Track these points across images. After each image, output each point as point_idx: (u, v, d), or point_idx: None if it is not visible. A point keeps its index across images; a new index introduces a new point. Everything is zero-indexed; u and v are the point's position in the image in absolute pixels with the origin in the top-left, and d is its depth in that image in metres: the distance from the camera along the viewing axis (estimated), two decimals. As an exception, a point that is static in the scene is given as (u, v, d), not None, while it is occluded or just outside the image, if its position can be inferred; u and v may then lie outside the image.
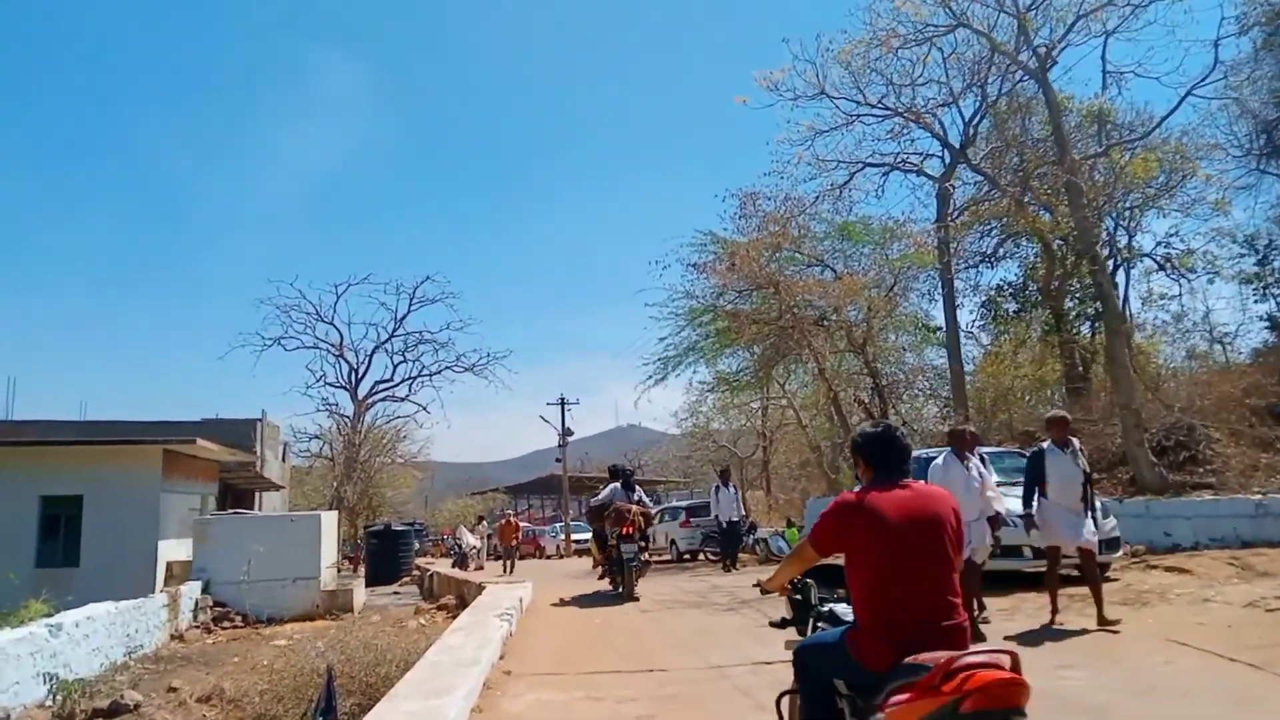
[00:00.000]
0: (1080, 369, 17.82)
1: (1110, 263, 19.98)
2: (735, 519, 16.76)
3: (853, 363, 23.84)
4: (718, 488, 16.98)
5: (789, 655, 3.35)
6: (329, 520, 18.04)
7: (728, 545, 16.85)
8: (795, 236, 22.02)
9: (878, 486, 3.05)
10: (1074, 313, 19.19)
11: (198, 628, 14.90)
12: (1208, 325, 20.53)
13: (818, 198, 21.91)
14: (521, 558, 30.40)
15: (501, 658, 7.15)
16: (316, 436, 39.37)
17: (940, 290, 22.67)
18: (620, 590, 10.96)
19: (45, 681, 9.46)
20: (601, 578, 12.02)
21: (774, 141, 21.06)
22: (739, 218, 21.30)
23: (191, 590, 15.18)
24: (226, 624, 15.19)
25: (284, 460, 35.67)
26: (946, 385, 23.48)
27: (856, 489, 3.15)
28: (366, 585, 26.09)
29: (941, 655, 2.52)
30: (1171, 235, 20.54)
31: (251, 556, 15.02)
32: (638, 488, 12.62)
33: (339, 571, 30.29)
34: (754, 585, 4.21)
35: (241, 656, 12.28)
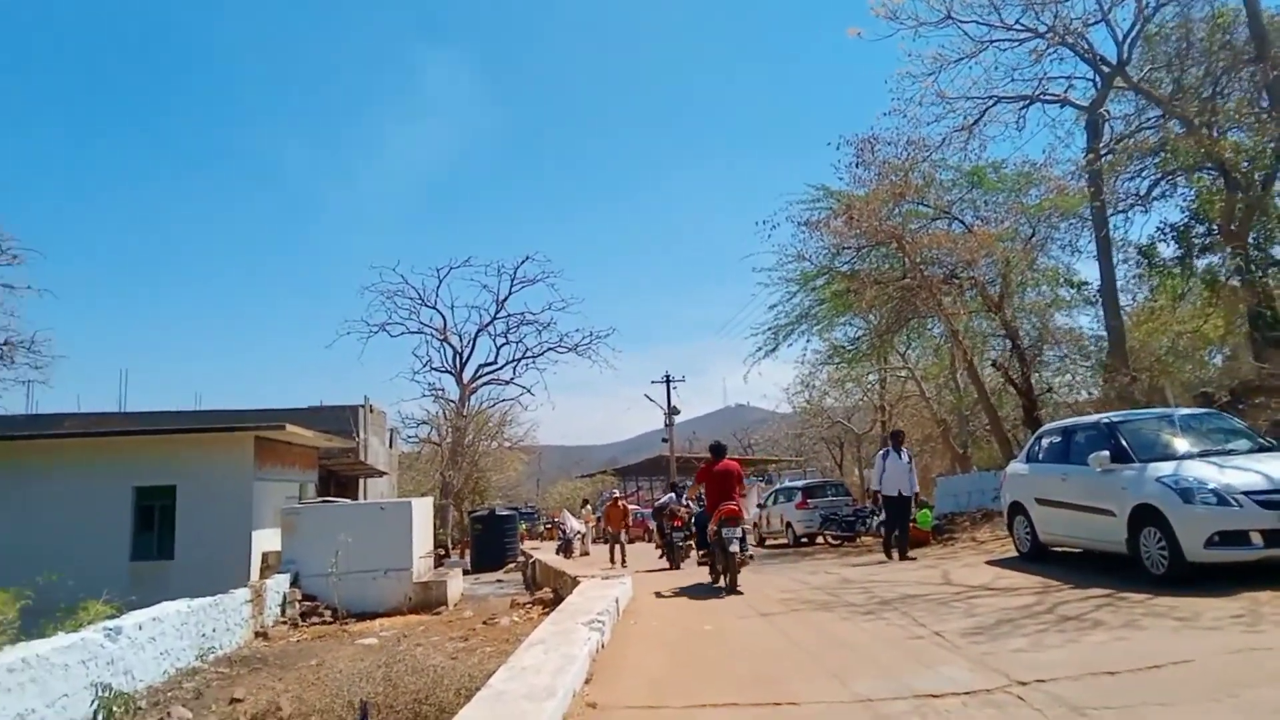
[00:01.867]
0: (1270, 319, 15.12)
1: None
2: (907, 493, 13.07)
3: (987, 324, 21.48)
4: (885, 453, 13.59)
5: (963, 686, 4.94)
6: (422, 508, 17.03)
7: (894, 527, 13.23)
8: (919, 185, 19.76)
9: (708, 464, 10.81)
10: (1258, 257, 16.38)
11: (284, 623, 14.07)
12: None
13: (944, 140, 19.73)
14: (631, 541, 29.20)
15: (588, 681, 5.66)
16: (424, 422, 39.16)
17: (1091, 237, 20.13)
18: (719, 583, 10.43)
19: (98, 693, 8.53)
20: (662, 558, 16.67)
21: (893, 77, 19.00)
22: (855, 166, 19.21)
23: (278, 584, 14.35)
24: (315, 619, 14.31)
25: (391, 446, 35.42)
26: (1095, 346, 20.86)
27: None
28: (472, 571, 25.38)
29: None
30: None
31: (339, 547, 14.04)
32: (685, 492, 17.49)
33: (442, 559, 29.81)
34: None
35: (321, 657, 11.25)
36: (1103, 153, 16.99)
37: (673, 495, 17.91)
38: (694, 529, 14.27)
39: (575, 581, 10.60)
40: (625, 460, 65.58)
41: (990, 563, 10.61)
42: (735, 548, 9.72)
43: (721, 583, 10.24)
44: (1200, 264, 20.10)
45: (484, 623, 12.48)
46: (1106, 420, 9.16)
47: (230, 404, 28.44)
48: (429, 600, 15.10)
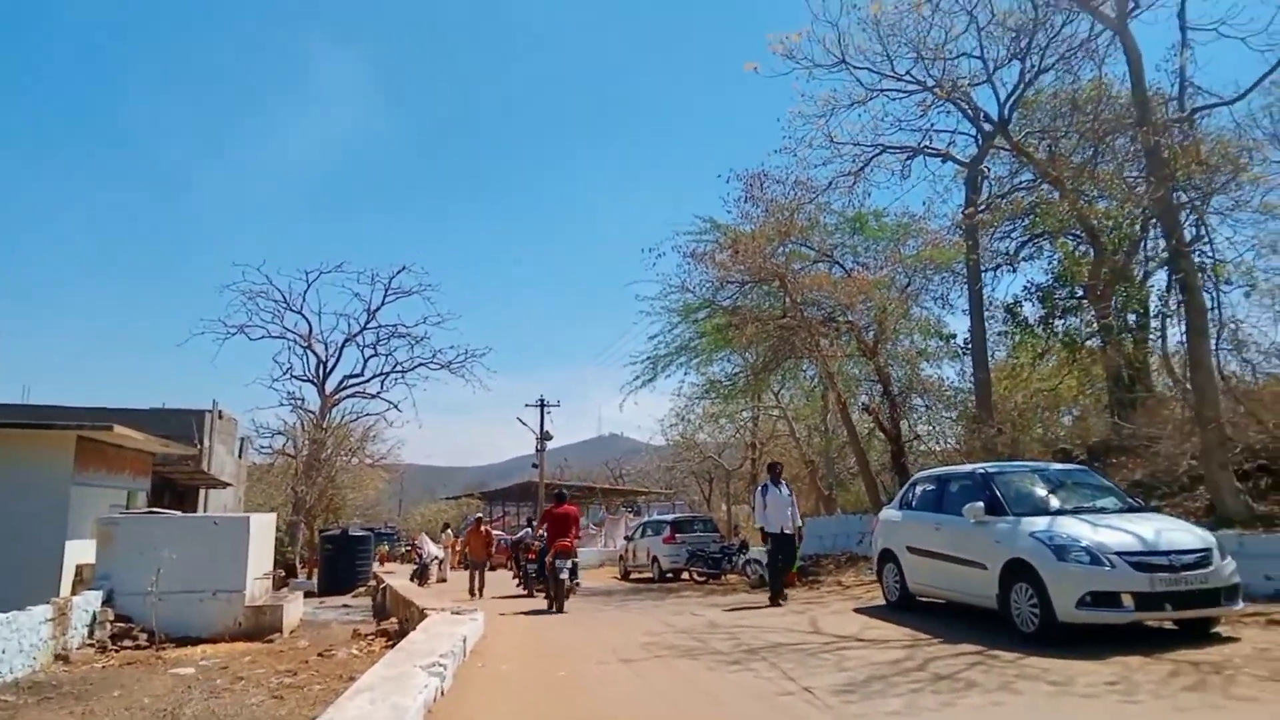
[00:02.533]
0: (1127, 381, 15.71)
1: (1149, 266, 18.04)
2: (789, 530, 12.44)
3: (860, 369, 21.76)
4: (765, 487, 12.71)
5: None
6: (262, 524, 15.66)
7: (777, 566, 12.48)
8: (804, 226, 19.90)
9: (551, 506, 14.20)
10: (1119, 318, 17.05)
11: (92, 645, 12.51)
12: None
13: (831, 184, 19.81)
14: (493, 568, 28.06)
15: (419, 738, 4.93)
16: (280, 432, 36.87)
17: (962, 291, 20.70)
18: (551, 608, 12.98)
19: None
20: (520, 587, 18.25)
21: (786, 116, 19.02)
22: (744, 201, 19.16)
23: (88, 602, 12.78)
24: (128, 643, 12.76)
25: (240, 456, 33.21)
26: (959, 397, 21.40)
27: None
28: (319, 594, 23.80)
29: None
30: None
31: (161, 564, 12.63)
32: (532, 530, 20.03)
33: (286, 580, 27.96)
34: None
35: (128, 687, 9.95)
36: (980, 209, 17.43)
37: (529, 530, 21.10)
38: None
39: (423, 614, 9.75)
40: (494, 484, 64.11)
41: (859, 610, 10.37)
42: (565, 575, 12.73)
43: (552, 607, 12.81)
44: (1061, 325, 20.98)
45: (319, 654, 11.39)
46: (982, 471, 9.06)
47: (63, 399, 26.04)
48: (261, 626, 13.77)
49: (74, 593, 13.74)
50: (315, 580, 25.66)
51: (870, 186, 20.39)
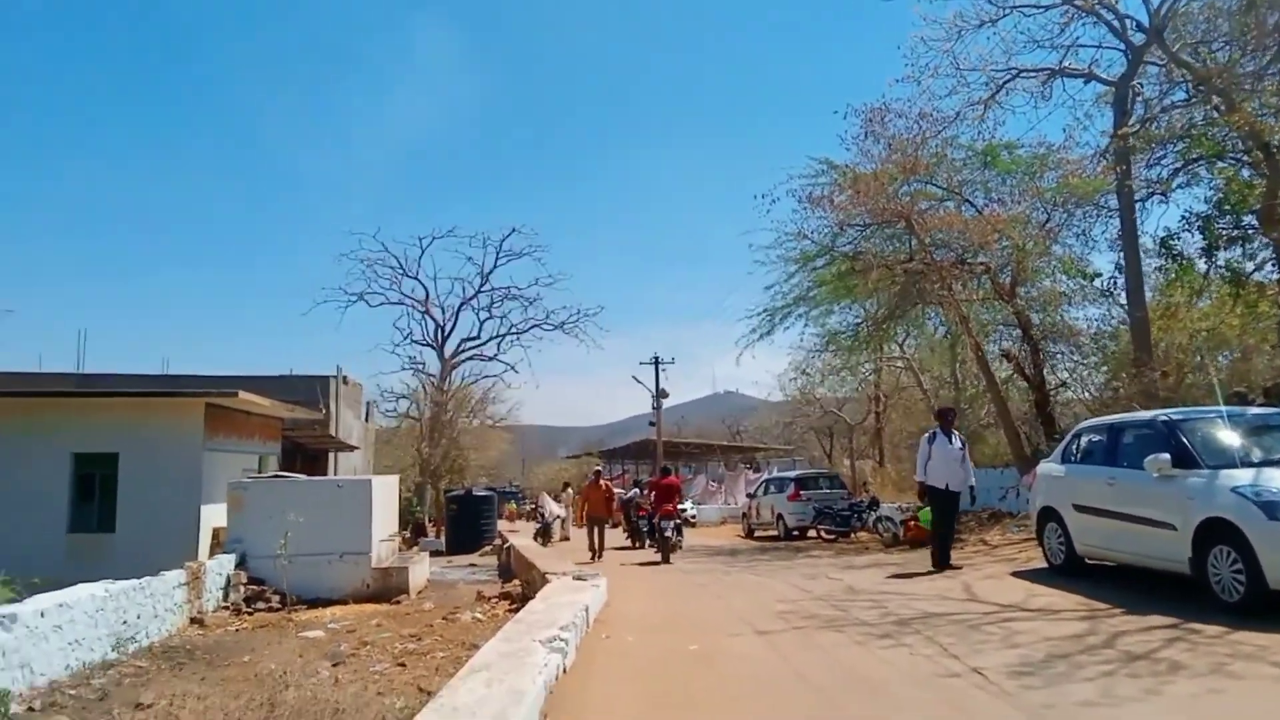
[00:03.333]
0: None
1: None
2: (958, 487, 10.53)
3: (994, 314, 20.27)
4: (933, 436, 10.67)
5: None
6: (385, 486, 15.70)
7: (943, 527, 10.80)
8: (930, 162, 18.47)
9: (658, 478, 18.49)
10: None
11: (227, 608, 12.75)
12: None
13: (958, 114, 18.35)
14: (614, 525, 27.82)
15: (542, 723, 4.41)
16: (404, 396, 37.74)
17: (1106, 226, 18.95)
18: (661, 558, 15.03)
19: (-23, 692, 7.22)
20: (629, 538, 20.98)
21: (907, 42, 17.66)
22: (864, 138, 17.87)
23: (221, 565, 13.02)
24: (260, 605, 12.96)
25: (367, 420, 34.10)
26: (1110, 340, 19.66)
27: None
28: (447, 553, 24.12)
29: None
30: None
31: (289, 527, 12.71)
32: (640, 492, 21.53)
33: (416, 540, 28.52)
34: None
35: (257, 652, 9.98)
36: (1132, 129, 15.72)
37: (637, 490, 23.15)
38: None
39: (544, 578, 9.34)
40: (612, 443, 64.46)
41: (1017, 574, 9.40)
42: (670, 534, 15.32)
43: (662, 559, 14.86)
44: (1224, 257, 18.94)
45: (444, 618, 11.21)
46: (1165, 418, 7.91)
47: (199, 369, 27.10)
48: (389, 588, 13.79)
49: (211, 556, 14.09)
50: (443, 540, 26.02)
51: (1004, 114, 18.84)
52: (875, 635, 6.51)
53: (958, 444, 10.70)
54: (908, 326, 24.24)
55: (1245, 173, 18.05)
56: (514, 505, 39.11)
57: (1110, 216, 20.10)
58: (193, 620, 11.85)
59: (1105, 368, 19.39)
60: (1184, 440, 7.35)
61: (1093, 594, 7.71)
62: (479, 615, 11.05)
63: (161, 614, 11.03)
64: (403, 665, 8.27)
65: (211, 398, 15.94)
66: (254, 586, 13.40)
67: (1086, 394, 19.92)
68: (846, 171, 18.65)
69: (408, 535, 24.80)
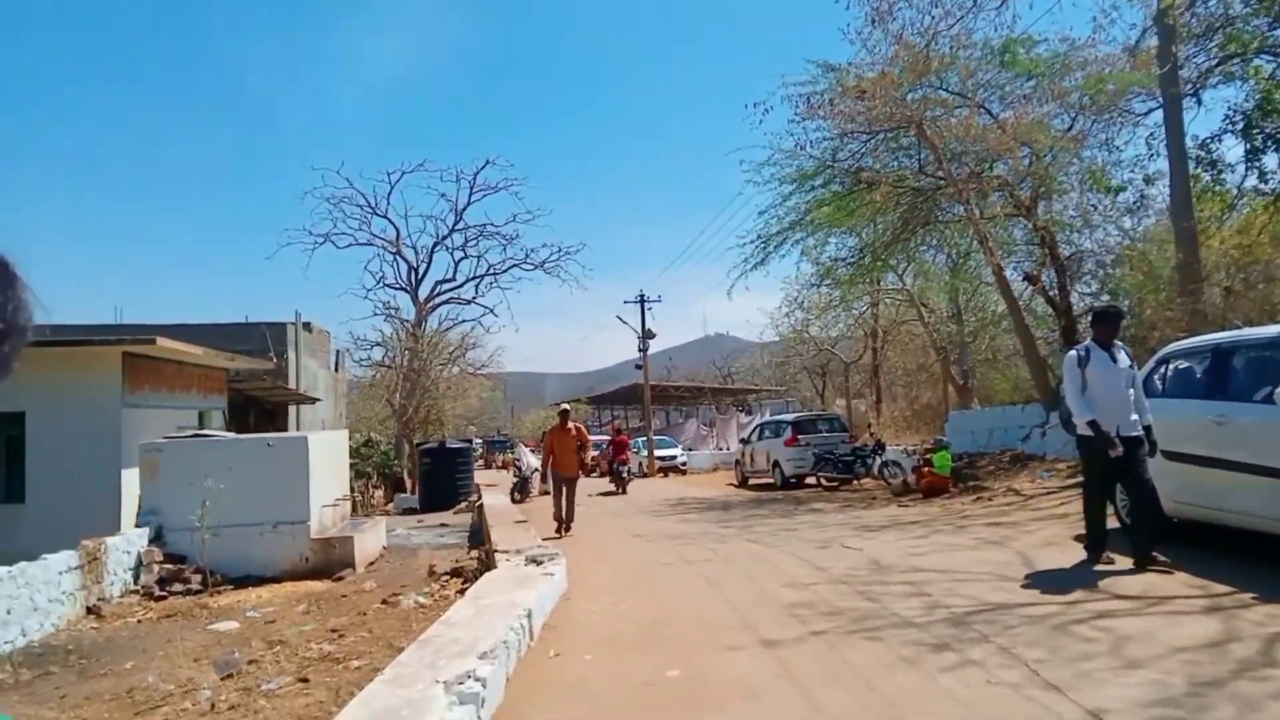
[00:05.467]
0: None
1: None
2: (1129, 431, 6.34)
3: (1011, 233, 18.28)
4: (1086, 353, 6.66)
5: None
6: (328, 443, 13.81)
7: (1111, 489, 7.12)
8: (942, 60, 16.27)
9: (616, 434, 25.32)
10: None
11: (137, 591, 10.92)
12: None
13: (976, 2, 16.10)
14: (602, 474, 26.03)
15: None
16: (379, 344, 35.65)
17: (1132, 135, 16.94)
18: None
19: None
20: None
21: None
22: (868, 29, 15.66)
23: (128, 543, 11.12)
24: (178, 587, 11.11)
25: (336, 370, 32.07)
26: (1139, 254, 17.67)
27: None
28: (422, 510, 22.37)
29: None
30: None
31: (207, 495, 10.81)
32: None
33: (388, 499, 26.73)
34: None
35: (149, 654, 8.13)
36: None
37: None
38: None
39: (491, 558, 7.47)
40: (602, 388, 62.66)
41: (1081, 539, 7.53)
42: (625, 474, 21.73)
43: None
44: (1273, 162, 16.90)
45: (384, 601, 9.38)
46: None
47: (158, 319, 24.91)
48: (331, 562, 11.96)
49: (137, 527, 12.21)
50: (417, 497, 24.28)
51: (1024, 5, 16.61)
52: (928, 645, 4.64)
53: (1124, 361, 6.59)
54: (909, 254, 22.21)
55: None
56: (509, 454, 37.79)
57: (1136, 124, 18.05)
58: (89, 610, 9.98)
59: (1152, 288, 17.28)
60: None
61: (1199, 570, 5.86)
62: (421, 600, 9.20)
63: (43, 606, 9.19)
64: (305, 680, 6.43)
65: (127, 346, 13.90)
66: (171, 565, 11.52)
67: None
68: (848, 71, 16.45)
69: (353, 499, 22.95)
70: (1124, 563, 6.24)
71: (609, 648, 5.00)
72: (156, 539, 11.69)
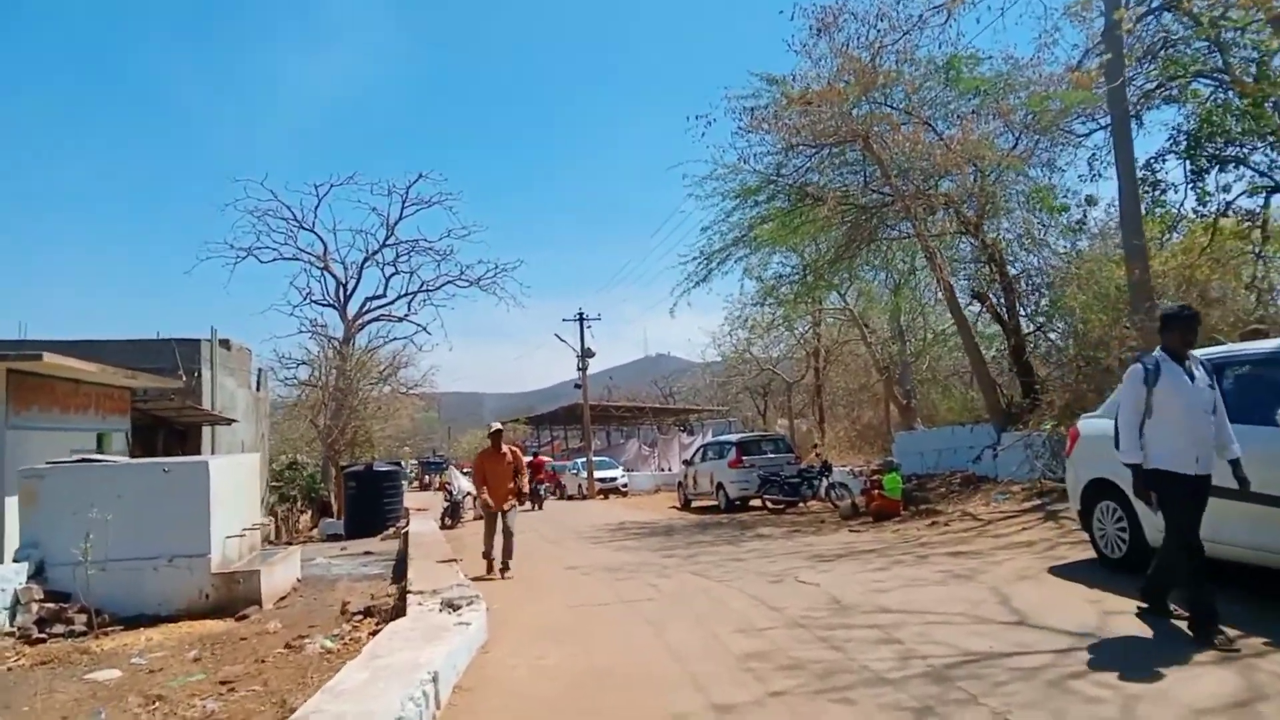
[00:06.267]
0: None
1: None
2: (1203, 470, 5.04)
3: (957, 251, 17.99)
4: (1154, 368, 5.15)
5: None
6: (235, 468, 12.68)
7: (1187, 537, 5.00)
8: (887, 74, 15.93)
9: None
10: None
11: (12, 634, 9.69)
12: None
13: (920, 18, 15.80)
14: (537, 503, 25.13)
15: None
16: (304, 362, 34.18)
17: (1074, 155, 16.84)
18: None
19: None
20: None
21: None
22: (813, 41, 15.23)
23: (3, 579, 9.91)
24: (59, 628, 9.87)
25: (258, 389, 30.55)
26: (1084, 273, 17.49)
27: None
28: (348, 536, 21.17)
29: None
30: None
31: (91, 526, 9.66)
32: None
33: (313, 525, 25.38)
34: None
35: (13, 709, 7.04)
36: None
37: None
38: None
39: (403, 602, 6.56)
40: (541, 409, 61.52)
41: (1059, 573, 6.94)
42: (542, 493, 24.16)
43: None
44: (1214, 182, 16.91)
45: (287, 645, 8.36)
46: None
47: (63, 335, 23.16)
48: (235, 598, 10.80)
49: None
50: (341, 525, 23.01)
51: (968, 23, 16.44)
52: (909, 711, 3.92)
53: (1204, 378, 5.18)
54: (852, 273, 21.87)
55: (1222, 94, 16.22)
56: (444, 475, 36.48)
57: (1078, 145, 17.99)
58: (-52, 657, 8.80)
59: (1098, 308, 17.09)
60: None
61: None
62: (329, 644, 8.22)
63: (-109, 654, 7.99)
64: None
65: (11, 363, 12.64)
66: (52, 604, 10.25)
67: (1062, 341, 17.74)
68: (792, 82, 16.00)
69: (262, 527, 21.64)
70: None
71: (529, 717, 4.17)
72: (36, 575, 10.44)
